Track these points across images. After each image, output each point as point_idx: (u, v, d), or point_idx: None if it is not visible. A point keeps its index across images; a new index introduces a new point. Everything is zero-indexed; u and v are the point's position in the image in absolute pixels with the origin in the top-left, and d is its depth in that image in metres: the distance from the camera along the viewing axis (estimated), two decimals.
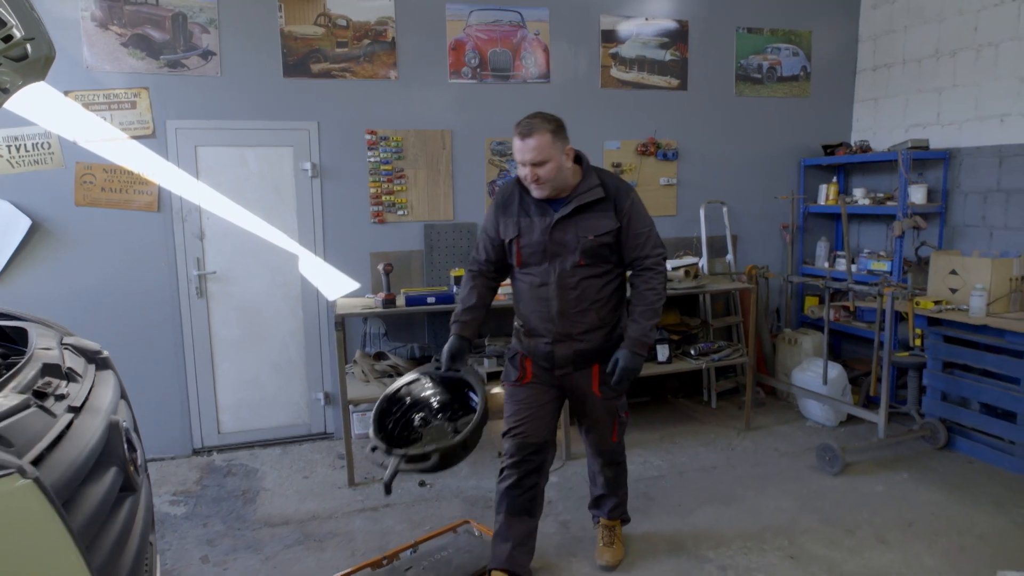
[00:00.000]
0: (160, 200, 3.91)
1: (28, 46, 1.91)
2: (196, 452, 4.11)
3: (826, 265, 5.06)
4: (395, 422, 2.42)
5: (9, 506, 1.11)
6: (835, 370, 4.31)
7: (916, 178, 4.54)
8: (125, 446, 1.63)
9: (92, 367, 1.97)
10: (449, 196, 4.37)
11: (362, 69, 4.15)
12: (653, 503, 3.35)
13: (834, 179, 5.06)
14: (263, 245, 4.08)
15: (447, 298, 3.69)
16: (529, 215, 2.40)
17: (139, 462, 1.75)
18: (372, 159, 4.21)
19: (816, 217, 5.26)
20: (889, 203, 4.63)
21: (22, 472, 1.17)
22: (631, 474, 3.65)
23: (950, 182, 4.46)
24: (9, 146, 3.67)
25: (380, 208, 4.24)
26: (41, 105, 3.67)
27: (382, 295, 3.68)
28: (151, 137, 3.87)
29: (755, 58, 4.98)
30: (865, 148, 4.90)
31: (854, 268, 4.66)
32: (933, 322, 3.94)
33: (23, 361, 1.68)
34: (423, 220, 4.35)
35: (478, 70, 4.37)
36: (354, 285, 4.20)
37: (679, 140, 4.84)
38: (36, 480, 1.17)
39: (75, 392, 1.68)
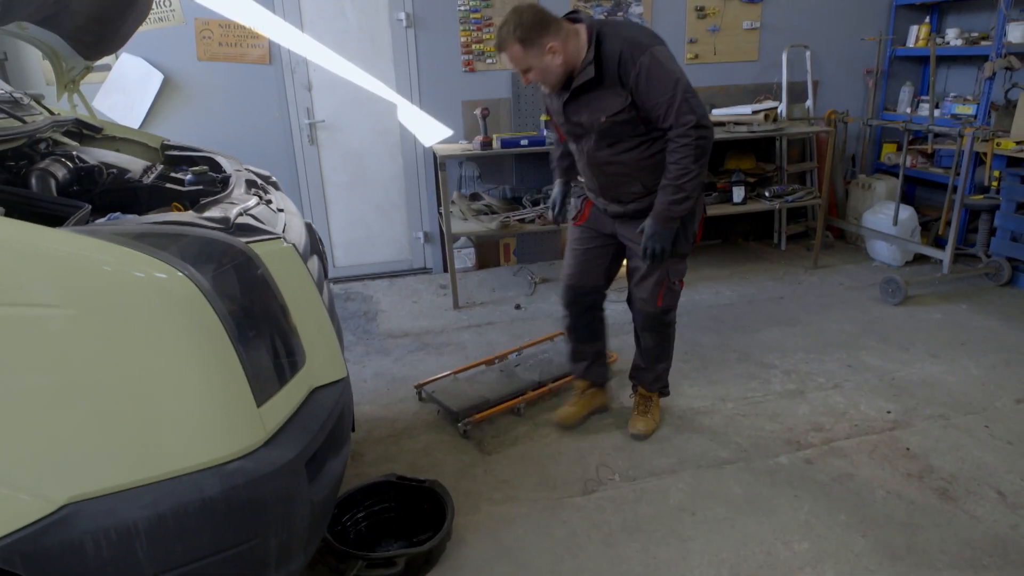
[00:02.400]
0: (271, 53, 4.24)
1: None
2: None
3: (908, 111, 5.03)
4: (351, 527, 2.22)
5: (280, 259, 1.56)
6: (906, 212, 4.46)
7: (1017, 15, 4.39)
8: (319, 241, 2.09)
9: (271, 187, 2.41)
10: None
11: None
12: (723, 324, 3.77)
13: (927, 19, 4.91)
14: (364, 95, 4.39)
15: (539, 141, 3.99)
16: (551, 97, 2.33)
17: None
18: (462, 7, 4.36)
19: (903, 61, 5.16)
20: (983, 43, 4.52)
21: (284, 240, 1.61)
22: (702, 303, 4.09)
23: None
24: None
25: (470, 57, 4.45)
26: None
27: (479, 138, 4.00)
28: None
29: None
30: None
31: (938, 113, 4.66)
32: (1012, 163, 4.02)
33: (233, 177, 2.12)
34: (511, 68, 4.52)
35: None
36: (448, 132, 4.46)
37: None
38: (293, 245, 1.62)
39: (274, 200, 2.12)
